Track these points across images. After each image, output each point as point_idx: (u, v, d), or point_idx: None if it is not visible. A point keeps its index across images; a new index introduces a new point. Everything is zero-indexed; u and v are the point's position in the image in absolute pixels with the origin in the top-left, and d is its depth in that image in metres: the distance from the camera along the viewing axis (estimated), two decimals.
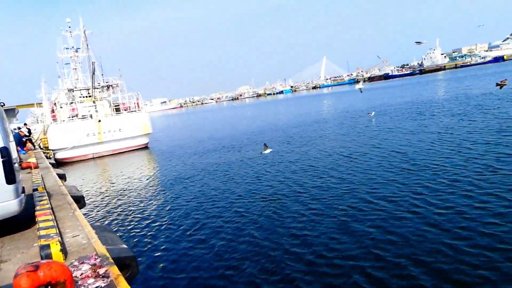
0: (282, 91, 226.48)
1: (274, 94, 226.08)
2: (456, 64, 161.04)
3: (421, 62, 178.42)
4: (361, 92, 48.61)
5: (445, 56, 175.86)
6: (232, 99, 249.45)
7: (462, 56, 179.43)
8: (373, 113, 34.17)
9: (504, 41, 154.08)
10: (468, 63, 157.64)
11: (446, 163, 14.79)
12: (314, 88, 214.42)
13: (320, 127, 33.32)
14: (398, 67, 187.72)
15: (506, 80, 31.06)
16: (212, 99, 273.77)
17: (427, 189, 12.06)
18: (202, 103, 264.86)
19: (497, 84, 31.85)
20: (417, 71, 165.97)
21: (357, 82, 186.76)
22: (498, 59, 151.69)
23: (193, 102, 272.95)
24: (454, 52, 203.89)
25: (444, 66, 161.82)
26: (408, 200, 11.37)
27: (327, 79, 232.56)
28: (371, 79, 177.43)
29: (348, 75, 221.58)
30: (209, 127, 55.05)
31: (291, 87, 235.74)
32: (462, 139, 18.76)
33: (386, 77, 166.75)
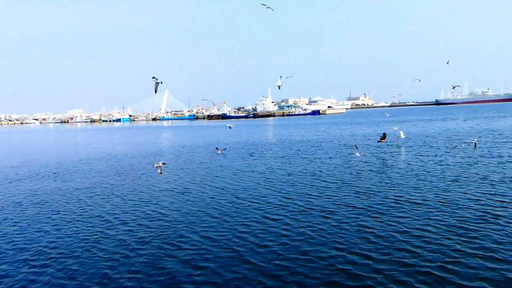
0: (119, 119, 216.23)
1: (110, 121, 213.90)
2: (283, 113, 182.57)
3: (255, 107, 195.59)
4: (230, 128, 62.23)
5: (275, 104, 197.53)
6: (61, 122, 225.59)
7: (289, 106, 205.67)
8: (221, 150, 35.19)
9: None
10: (293, 113, 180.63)
11: (268, 201, 16.00)
12: (154, 119, 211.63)
13: (157, 160, 32.53)
14: (234, 109, 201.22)
15: (384, 137, 33.29)
16: (36, 120, 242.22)
17: (248, 227, 12.71)
18: (22, 123, 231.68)
19: (380, 139, 33.56)
20: (251, 115, 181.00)
21: (197, 118, 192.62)
22: (315, 112, 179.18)
23: (10, 121, 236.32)
24: (282, 102, 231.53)
25: (274, 113, 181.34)
26: (229, 237, 11.73)
27: (168, 112, 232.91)
28: (210, 117, 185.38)
29: (188, 111, 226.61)
30: (28, 150, 47.96)
31: (130, 116, 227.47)
32: (283, 180, 20.76)
33: (224, 117, 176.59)
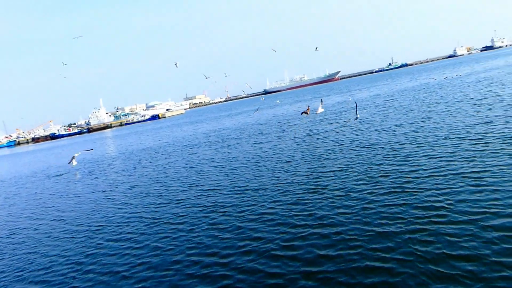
0: None
1: None
2: (121, 122, 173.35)
3: (88, 121, 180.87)
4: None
5: (110, 115, 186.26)
6: None
7: (126, 115, 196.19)
8: (75, 163, 33.76)
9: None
10: (131, 121, 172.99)
11: (113, 222, 14.89)
12: None
13: None
14: (65, 126, 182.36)
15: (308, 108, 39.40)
16: None
17: (92, 256, 11.59)
18: None
19: (303, 112, 39.41)
20: (86, 130, 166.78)
21: (19, 144, 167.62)
22: (155, 117, 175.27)
23: None
24: (118, 111, 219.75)
25: (111, 124, 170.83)
26: (69, 274, 10.52)
27: None
28: (35, 140, 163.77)
29: (6, 137, 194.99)
30: None
31: None
32: (127, 195, 19.57)
33: (53, 137, 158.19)
